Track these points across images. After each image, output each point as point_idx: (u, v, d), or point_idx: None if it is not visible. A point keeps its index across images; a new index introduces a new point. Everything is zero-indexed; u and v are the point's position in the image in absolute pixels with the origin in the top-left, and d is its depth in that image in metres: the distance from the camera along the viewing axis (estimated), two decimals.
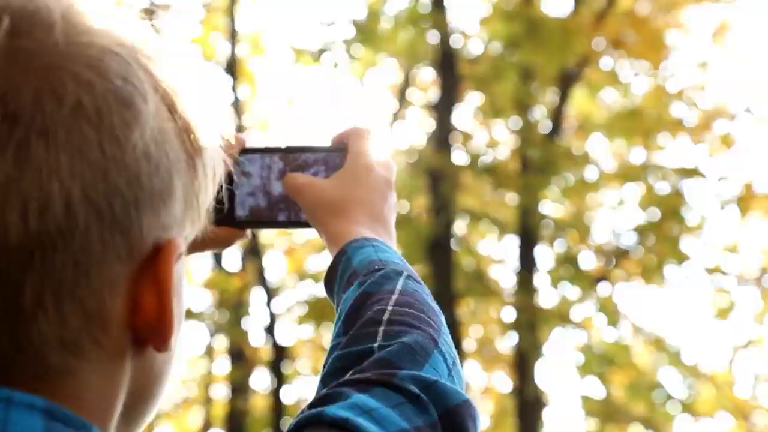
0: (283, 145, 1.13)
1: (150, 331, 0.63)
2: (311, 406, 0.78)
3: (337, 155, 1.12)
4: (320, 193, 1.08)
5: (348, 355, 0.86)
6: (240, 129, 9.88)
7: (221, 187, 0.71)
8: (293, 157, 1.12)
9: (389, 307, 0.90)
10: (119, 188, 0.60)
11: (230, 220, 1.11)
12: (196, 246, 1.08)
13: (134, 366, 0.64)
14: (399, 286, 0.93)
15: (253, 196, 1.12)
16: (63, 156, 0.58)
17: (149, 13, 0.68)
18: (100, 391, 0.62)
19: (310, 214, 1.09)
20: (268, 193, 1.12)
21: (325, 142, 1.15)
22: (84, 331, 0.60)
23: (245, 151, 1.12)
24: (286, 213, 1.12)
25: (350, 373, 0.82)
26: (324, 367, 0.88)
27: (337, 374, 0.84)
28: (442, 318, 0.93)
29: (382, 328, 0.87)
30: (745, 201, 11.10)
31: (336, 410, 0.75)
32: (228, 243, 1.12)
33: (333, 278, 1.02)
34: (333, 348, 0.89)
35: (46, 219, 0.57)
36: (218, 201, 0.72)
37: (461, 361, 0.92)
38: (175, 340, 0.65)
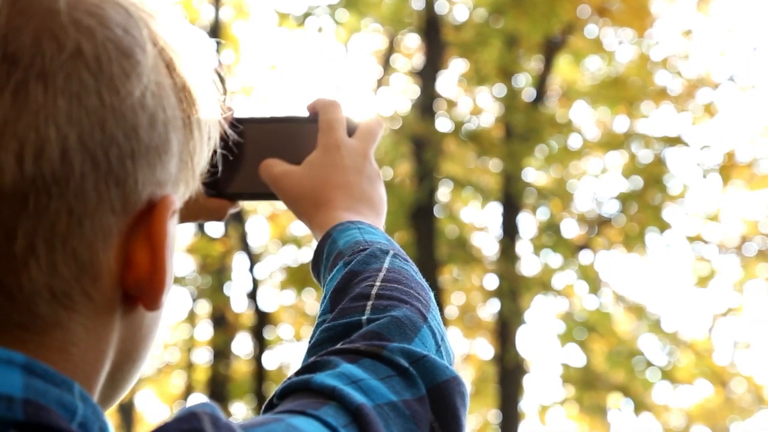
0: (260, 116, 1.11)
1: (141, 288, 0.62)
2: (299, 373, 0.78)
3: (314, 127, 1.10)
4: (297, 184, 1.06)
5: (336, 326, 0.85)
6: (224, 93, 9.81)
7: (215, 153, 0.70)
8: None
9: (377, 283, 0.89)
10: (116, 138, 0.59)
11: (220, 190, 1.10)
12: (187, 216, 1.07)
13: (123, 324, 0.63)
14: (386, 264, 0.93)
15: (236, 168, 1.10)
16: (61, 101, 0.57)
17: None
18: (86, 346, 0.61)
19: (290, 206, 1.07)
20: (247, 166, 1.10)
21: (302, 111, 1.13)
22: (75, 282, 0.59)
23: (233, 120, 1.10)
24: (265, 185, 1.11)
25: (339, 344, 0.82)
26: (311, 339, 0.87)
27: (324, 345, 0.84)
28: (431, 294, 0.93)
29: (370, 302, 0.86)
30: (727, 170, 11.15)
31: (324, 378, 0.75)
32: (219, 214, 1.10)
33: (319, 262, 1.01)
34: (319, 324, 0.88)
35: (41, 163, 0.56)
36: (209, 168, 0.71)
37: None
38: (164, 299, 0.64)
